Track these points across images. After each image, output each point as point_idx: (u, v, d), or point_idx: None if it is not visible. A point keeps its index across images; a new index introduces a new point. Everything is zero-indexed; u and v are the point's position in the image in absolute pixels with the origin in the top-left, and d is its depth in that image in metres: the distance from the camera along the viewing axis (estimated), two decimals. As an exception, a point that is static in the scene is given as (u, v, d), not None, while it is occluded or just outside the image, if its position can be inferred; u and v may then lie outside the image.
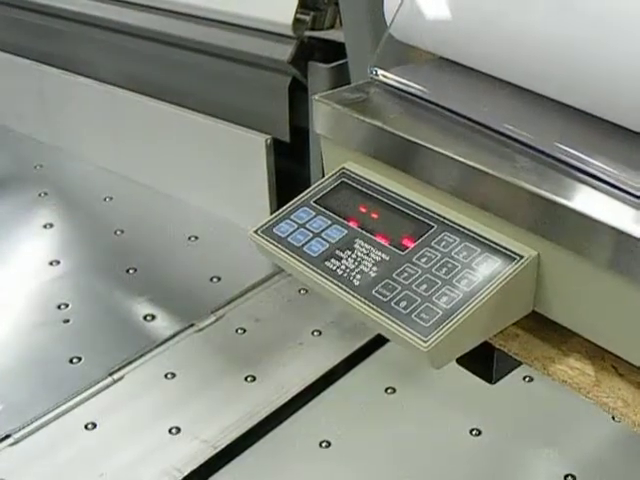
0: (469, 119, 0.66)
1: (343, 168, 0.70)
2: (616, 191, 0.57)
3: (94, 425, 0.85)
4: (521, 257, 0.60)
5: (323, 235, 0.67)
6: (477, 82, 0.69)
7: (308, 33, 1.02)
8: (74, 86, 1.38)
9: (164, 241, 1.17)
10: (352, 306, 0.62)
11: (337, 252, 0.65)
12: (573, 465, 0.83)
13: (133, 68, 1.28)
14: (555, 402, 0.91)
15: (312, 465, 0.83)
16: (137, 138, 1.29)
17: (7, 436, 0.84)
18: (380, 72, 0.72)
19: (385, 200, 0.67)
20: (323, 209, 0.68)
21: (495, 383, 0.67)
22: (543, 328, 0.63)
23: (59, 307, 1.02)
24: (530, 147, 0.62)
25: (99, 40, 1.34)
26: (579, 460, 0.84)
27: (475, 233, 0.63)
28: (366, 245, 0.65)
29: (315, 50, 1.04)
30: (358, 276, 0.63)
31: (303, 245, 0.66)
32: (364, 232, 0.66)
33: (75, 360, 0.94)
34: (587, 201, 0.56)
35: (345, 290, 0.63)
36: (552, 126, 0.64)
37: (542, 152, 0.61)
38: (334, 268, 0.64)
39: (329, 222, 0.67)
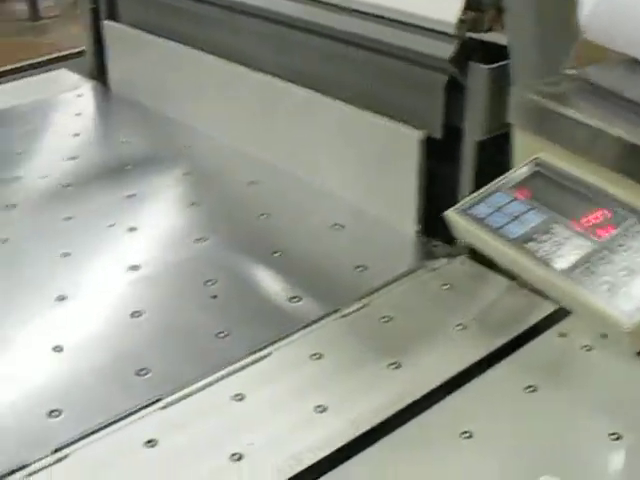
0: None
1: (537, 158, 0.73)
2: None
3: (241, 397, 0.89)
4: None
5: (521, 219, 0.70)
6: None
7: (468, 34, 1.06)
8: (230, 74, 1.43)
9: (309, 227, 1.20)
10: (553, 284, 0.65)
11: (536, 235, 0.68)
12: None
13: (290, 59, 1.32)
14: None
15: (452, 454, 0.86)
16: (288, 127, 1.33)
17: (157, 400, 0.87)
18: (572, 70, 0.75)
19: (581, 190, 0.70)
20: (519, 195, 0.71)
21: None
22: None
23: (206, 283, 1.06)
24: None
25: (259, 31, 1.38)
26: None
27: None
28: (564, 231, 0.68)
29: (474, 51, 1.07)
30: (558, 259, 0.66)
31: (502, 227, 0.69)
32: (562, 218, 0.69)
33: (221, 335, 0.98)
34: None
35: (547, 271, 0.65)
36: None
37: None
38: (534, 250, 0.67)
39: (527, 207, 0.70)
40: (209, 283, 1.13)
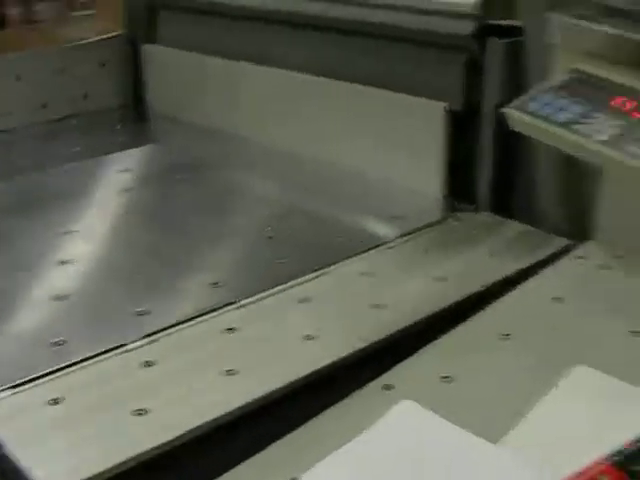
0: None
1: (574, 68, 0.89)
2: None
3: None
4: None
5: (566, 110, 0.85)
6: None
7: (489, 19, 1.20)
8: (259, 75, 1.60)
9: (343, 195, 1.39)
10: (599, 153, 0.80)
11: (581, 120, 0.84)
12: None
13: (320, 56, 1.49)
14: None
15: (493, 353, 0.96)
16: (321, 118, 1.52)
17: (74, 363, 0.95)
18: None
19: (614, 87, 0.86)
20: (562, 93, 0.87)
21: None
22: None
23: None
24: None
25: (285, 33, 1.55)
26: None
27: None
28: (603, 115, 0.83)
29: (491, 29, 1.22)
30: (600, 134, 0.81)
31: (551, 115, 0.85)
32: (600, 107, 0.84)
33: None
34: None
35: (595, 143, 0.81)
36: None
37: None
38: (582, 130, 0.82)
39: (569, 102, 0.86)
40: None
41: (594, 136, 0.82)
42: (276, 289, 1.11)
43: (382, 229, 1.29)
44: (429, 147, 1.33)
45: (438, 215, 1.32)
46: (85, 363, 0.95)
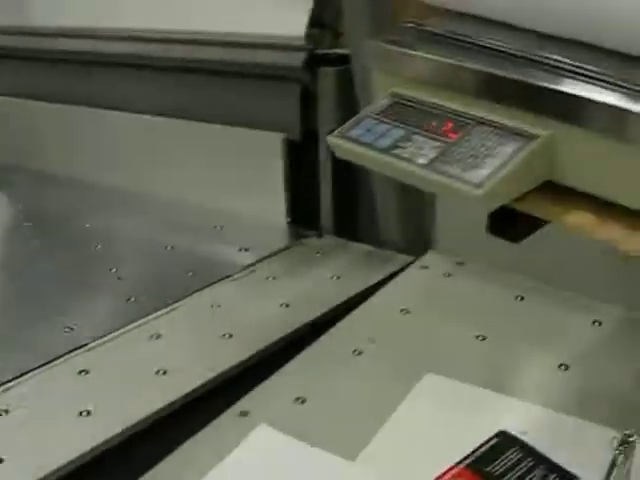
0: (489, 48, 0.91)
1: (393, 91, 0.94)
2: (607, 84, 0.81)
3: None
4: (539, 136, 0.84)
5: (387, 135, 0.90)
6: (487, 26, 0.94)
7: (318, 49, 1.26)
8: (100, 119, 1.61)
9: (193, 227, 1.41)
10: (419, 176, 0.85)
11: (400, 144, 0.88)
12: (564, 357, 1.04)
13: (160, 96, 1.51)
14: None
15: (346, 370, 1.01)
16: (164, 156, 1.56)
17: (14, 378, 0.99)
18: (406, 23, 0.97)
19: (430, 109, 0.91)
20: (382, 119, 0.92)
21: (519, 242, 0.90)
22: (555, 194, 0.86)
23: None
24: (544, 63, 0.86)
25: (124, 76, 1.55)
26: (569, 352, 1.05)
27: (503, 124, 0.87)
28: (421, 138, 0.89)
29: (322, 60, 1.27)
30: (420, 157, 0.86)
31: (373, 141, 0.90)
32: (419, 130, 0.89)
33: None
34: (585, 89, 0.81)
35: (413, 168, 0.86)
36: (559, 49, 0.88)
37: (553, 66, 0.85)
38: (401, 154, 0.87)
39: (389, 127, 0.91)
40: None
41: (414, 160, 0.86)
42: (127, 328, 1.11)
43: (231, 261, 1.32)
44: (272, 178, 1.37)
45: (283, 243, 1.35)
46: None
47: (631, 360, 1.07)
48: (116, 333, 1.13)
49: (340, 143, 0.91)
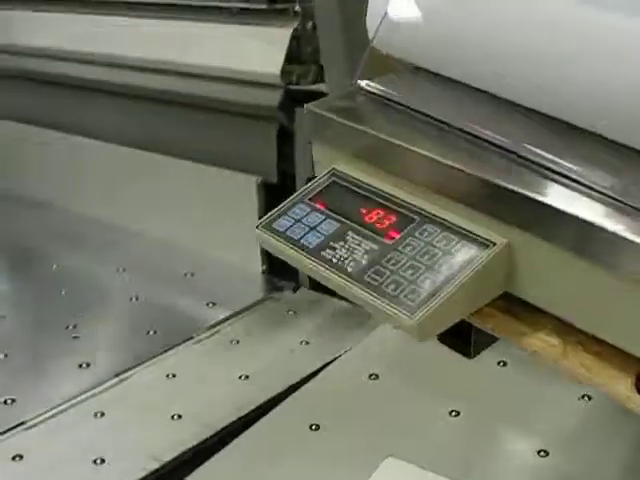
0: (446, 124, 0.75)
1: (333, 169, 0.78)
2: (580, 187, 0.64)
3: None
4: (494, 244, 0.68)
5: (318, 229, 0.75)
6: (455, 90, 0.77)
7: (294, 87, 1.12)
8: (73, 145, 1.49)
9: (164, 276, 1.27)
10: (347, 290, 0.70)
11: (331, 243, 0.73)
12: (545, 441, 0.90)
13: (137, 127, 1.39)
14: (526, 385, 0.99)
15: (304, 446, 0.91)
16: (138, 190, 1.40)
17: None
18: (363, 82, 0.80)
19: (372, 196, 0.75)
20: (316, 205, 0.76)
21: (473, 357, 0.74)
22: (515, 307, 0.70)
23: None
24: (501, 148, 0.70)
25: (104, 105, 1.43)
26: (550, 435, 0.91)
27: (453, 224, 0.71)
28: (357, 237, 0.73)
29: (300, 100, 1.13)
30: (351, 263, 0.71)
31: (301, 238, 0.74)
32: (354, 225, 0.74)
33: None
34: (553, 194, 0.65)
35: (340, 276, 0.70)
36: (524, 129, 0.72)
37: (512, 152, 0.69)
38: (330, 257, 0.72)
39: (322, 217, 0.75)
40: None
41: (344, 267, 0.72)
42: (69, 403, 1.01)
43: (197, 317, 1.20)
44: (246, 221, 1.23)
45: (255, 297, 1.22)
46: None
47: (622, 443, 0.93)
48: (60, 408, 1.04)
49: (265, 238, 0.76)
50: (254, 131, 1.19)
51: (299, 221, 0.76)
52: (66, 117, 1.53)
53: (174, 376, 1.05)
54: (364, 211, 0.75)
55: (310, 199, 0.78)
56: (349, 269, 0.71)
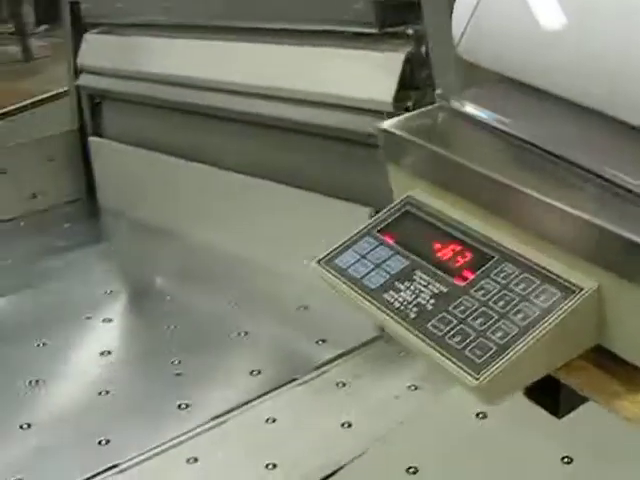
0: (535, 146, 0.63)
1: (408, 196, 0.68)
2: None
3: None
4: (581, 289, 0.56)
5: (383, 266, 0.65)
6: (546, 105, 0.65)
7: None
8: (195, 172, 1.52)
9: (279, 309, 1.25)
10: (407, 339, 0.60)
11: (396, 284, 0.63)
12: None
13: (256, 155, 1.38)
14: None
15: None
16: (255, 219, 1.43)
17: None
18: (448, 97, 0.70)
19: (448, 229, 0.65)
20: (385, 239, 0.66)
21: (562, 417, 0.62)
22: (611, 362, 0.58)
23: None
24: (597, 175, 0.58)
25: (225, 131, 1.45)
26: None
27: (535, 263, 0.60)
28: (425, 276, 0.63)
29: None
30: (415, 309, 0.61)
31: (363, 277, 0.65)
32: (424, 263, 0.64)
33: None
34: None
35: (401, 323, 0.60)
36: (622, 153, 0.60)
37: (609, 181, 0.57)
38: (392, 301, 0.62)
39: (390, 252, 0.66)
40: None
41: (405, 312, 0.61)
42: (163, 447, 0.95)
43: (305, 356, 1.13)
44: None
45: (368, 334, 1.13)
46: None
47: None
48: (154, 451, 0.99)
49: (323, 274, 0.67)
50: (368, 160, 1.10)
51: (364, 257, 0.67)
52: (186, 142, 1.48)
53: (274, 421, 0.96)
54: (438, 246, 0.65)
55: (379, 231, 0.67)
56: (412, 315, 0.61)
